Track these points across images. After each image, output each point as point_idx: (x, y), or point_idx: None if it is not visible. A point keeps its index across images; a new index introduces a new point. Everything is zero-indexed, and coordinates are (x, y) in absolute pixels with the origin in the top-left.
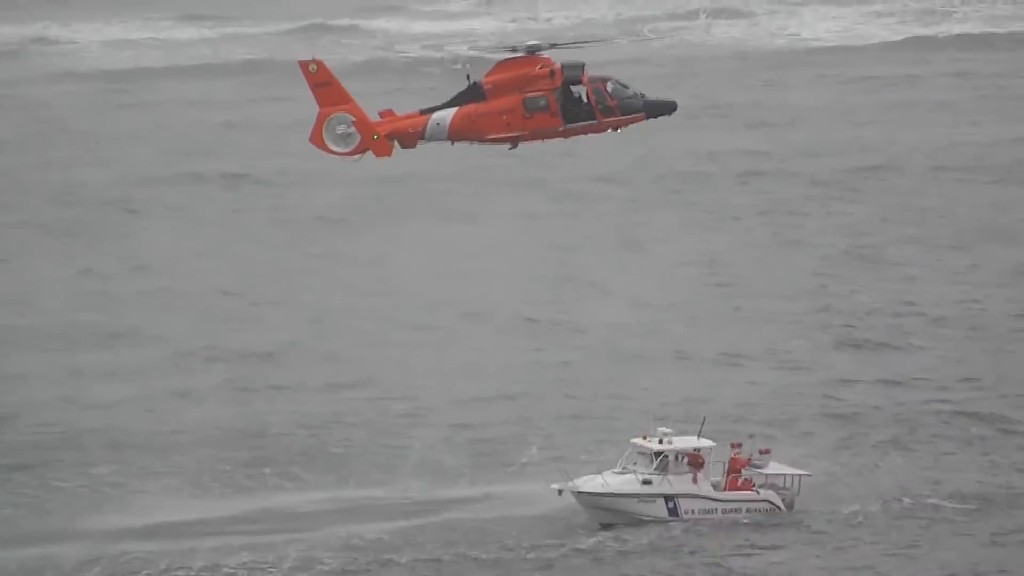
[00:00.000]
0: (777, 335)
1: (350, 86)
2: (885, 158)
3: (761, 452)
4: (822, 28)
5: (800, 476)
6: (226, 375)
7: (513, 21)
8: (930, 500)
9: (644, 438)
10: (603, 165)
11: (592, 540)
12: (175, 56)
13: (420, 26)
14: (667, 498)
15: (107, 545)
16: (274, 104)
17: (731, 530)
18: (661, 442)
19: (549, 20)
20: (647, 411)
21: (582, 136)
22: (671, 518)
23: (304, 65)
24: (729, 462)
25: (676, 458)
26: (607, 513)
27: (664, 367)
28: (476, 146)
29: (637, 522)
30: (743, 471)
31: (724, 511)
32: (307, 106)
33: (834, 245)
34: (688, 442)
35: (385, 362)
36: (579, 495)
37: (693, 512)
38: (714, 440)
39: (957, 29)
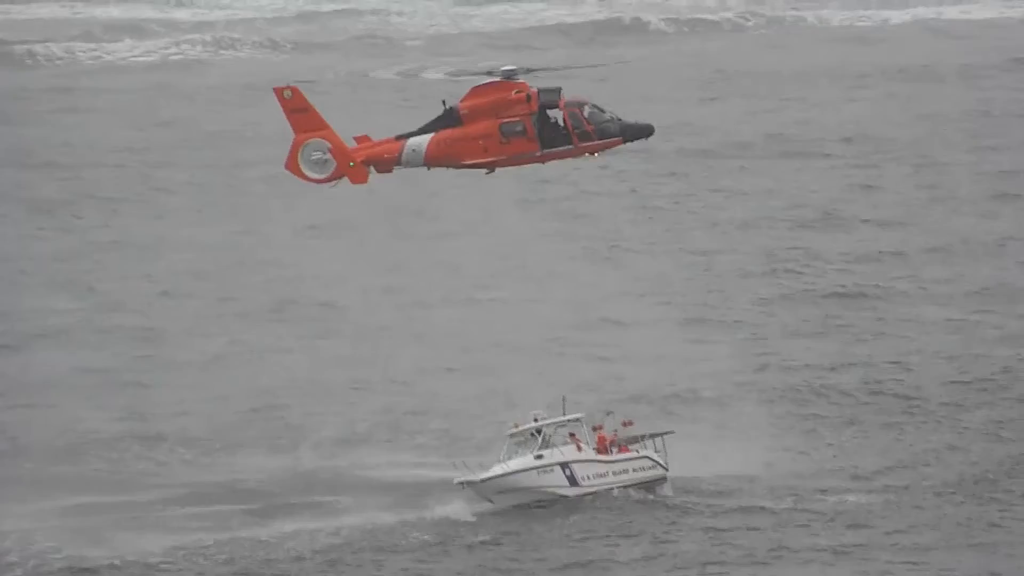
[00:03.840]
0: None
1: None
2: None
3: (624, 424)
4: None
5: (664, 434)
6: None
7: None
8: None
9: (517, 426)
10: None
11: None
12: None
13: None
14: (563, 466)
15: None
16: None
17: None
18: (537, 420)
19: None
20: (512, 402)
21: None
22: (571, 486)
23: (279, 91)
24: (597, 441)
25: (555, 431)
26: (511, 495)
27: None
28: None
29: (542, 500)
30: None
31: (615, 472)
32: None
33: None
34: (555, 421)
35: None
36: (483, 483)
37: (589, 477)
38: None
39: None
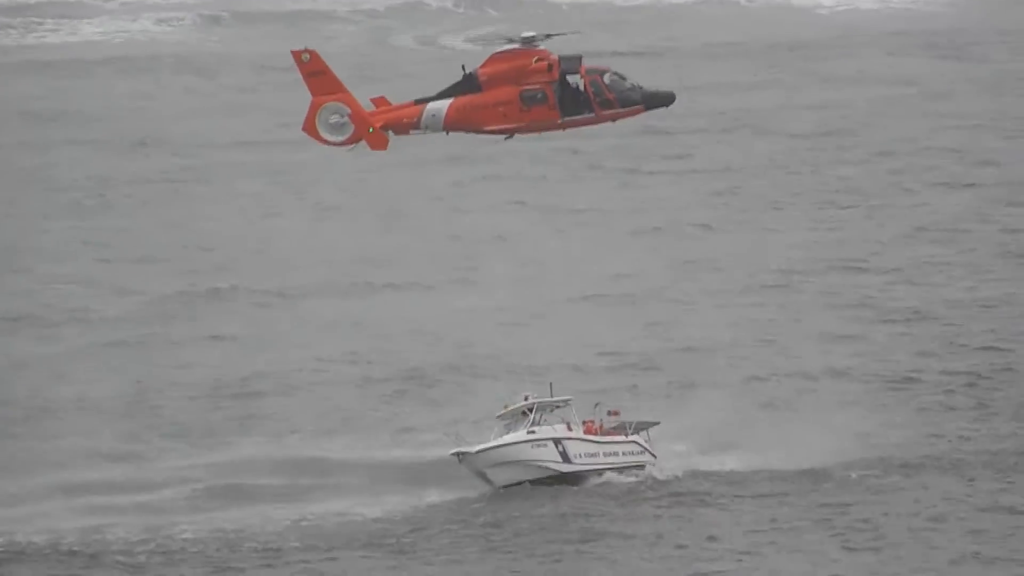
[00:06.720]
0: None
1: None
2: None
3: (610, 414)
4: None
5: (651, 425)
6: None
7: None
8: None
9: (506, 407)
10: None
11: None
12: None
13: None
14: (556, 441)
15: None
16: None
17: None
18: (527, 399)
19: None
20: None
21: None
22: (564, 462)
23: (297, 54)
24: (584, 428)
25: (545, 413)
26: (505, 469)
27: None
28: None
29: (536, 477)
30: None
31: (605, 453)
32: None
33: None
34: (546, 400)
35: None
36: (478, 454)
37: (581, 456)
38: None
39: None
